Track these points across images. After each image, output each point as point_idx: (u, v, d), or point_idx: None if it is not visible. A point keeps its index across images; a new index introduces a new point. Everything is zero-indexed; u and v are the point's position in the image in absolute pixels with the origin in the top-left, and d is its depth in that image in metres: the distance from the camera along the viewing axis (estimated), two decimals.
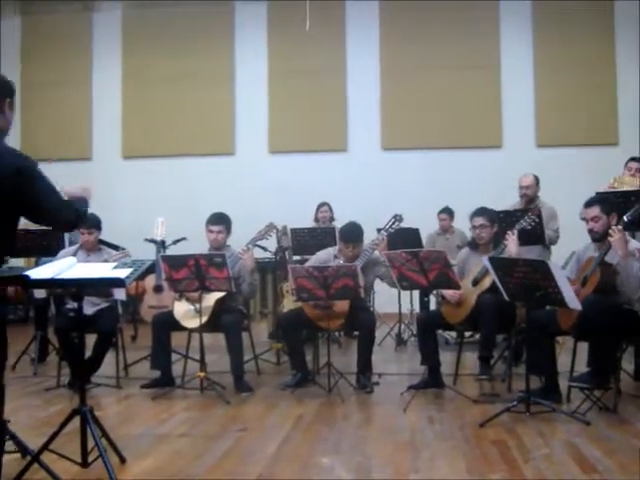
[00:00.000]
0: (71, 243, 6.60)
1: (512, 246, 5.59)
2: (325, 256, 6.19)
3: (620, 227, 4.84)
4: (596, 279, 4.86)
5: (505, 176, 7.68)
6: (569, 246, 6.02)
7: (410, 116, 10.99)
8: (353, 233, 5.96)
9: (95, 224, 6.21)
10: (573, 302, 4.47)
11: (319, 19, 10.40)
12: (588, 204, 5.18)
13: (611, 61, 10.61)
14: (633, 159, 6.85)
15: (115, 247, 6.66)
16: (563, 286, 4.41)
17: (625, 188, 6.28)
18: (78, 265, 3.69)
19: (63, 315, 6.00)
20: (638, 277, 4.68)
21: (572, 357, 5.30)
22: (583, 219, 5.23)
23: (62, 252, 6.19)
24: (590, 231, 5.12)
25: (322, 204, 9.06)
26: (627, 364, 5.57)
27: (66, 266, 3.53)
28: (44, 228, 6.66)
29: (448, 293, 5.65)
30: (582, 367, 5.03)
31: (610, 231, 4.85)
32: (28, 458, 3.57)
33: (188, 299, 5.85)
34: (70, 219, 3.27)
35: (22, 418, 4.53)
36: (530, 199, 7.23)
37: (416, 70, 10.94)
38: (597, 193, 5.75)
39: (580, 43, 10.59)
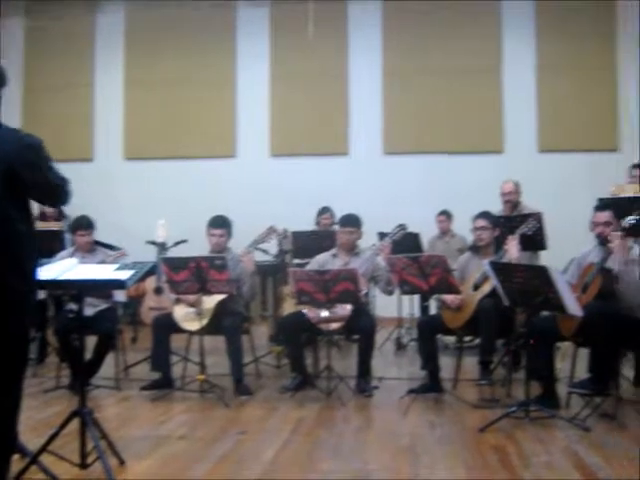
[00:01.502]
0: (73, 244, 6.60)
1: (513, 251, 5.59)
2: (324, 257, 6.25)
3: (620, 233, 4.84)
4: (597, 285, 4.85)
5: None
6: (568, 251, 5.99)
7: (412, 120, 10.96)
8: (351, 217, 6.19)
9: (90, 225, 6.28)
10: (573, 308, 4.46)
11: (321, 22, 10.39)
12: (600, 208, 5.17)
13: (613, 66, 10.59)
14: (637, 166, 6.84)
15: (110, 247, 6.65)
16: (563, 292, 4.41)
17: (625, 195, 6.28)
18: (79, 267, 3.70)
19: (63, 316, 5.99)
20: (638, 283, 4.67)
21: (572, 363, 5.30)
22: (593, 223, 5.21)
23: (59, 255, 6.20)
24: (599, 235, 5.11)
25: (324, 210, 8.96)
26: (627, 370, 5.56)
27: (68, 267, 3.53)
28: (46, 229, 6.69)
29: (448, 298, 5.65)
30: (582, 373, 5.03)
31: (609, 237, 4.85)
32: (27, 459, 3.57)
33: (188, 304, 5.86)
34: (68, 195, 3.17)
35: (21, 419, 4.51)
36: (514, 205, 7.29)
37: (418, 74, 10.92)
38: (599, 199, 5.74)
39: (582, 48, 10.57)
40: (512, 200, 7.31)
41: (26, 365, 2.94)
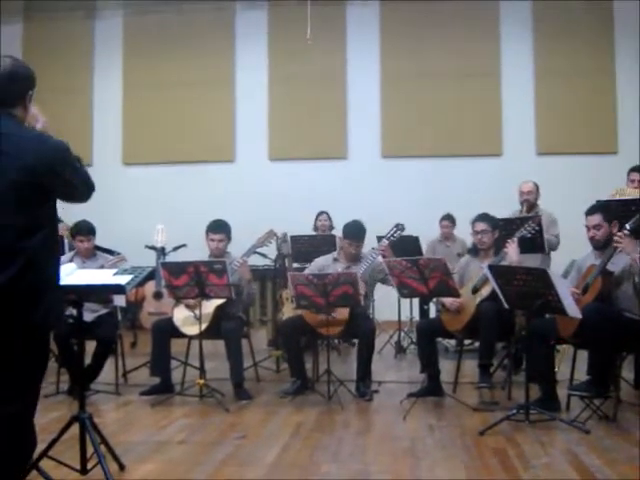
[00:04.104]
0: (71, 249, 6.57)
1: (512, 254, 5.59)
2: (324, 261, 6.22)
3: (626, 232, 4.83)
4: (597, 287, 4.85)
5: (505, 184, 7.66)
6: (569, 254, 6.03)
7: (410, 123, 10.98)
8: (359, 231, 6.05)
9: (91, 231, 6.22)
10: (573, 310, 4.47)
11: (320, 26, 10.33)
12: (590, 212, 5.18)
13: (611, 70, 10.62)
14: (634, 169, 6.83)
15: (110, 252, 6.64)
16: (563, 294, 4.41)
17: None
18: (78, 271, 3.69)
19: (62, 322, 5.96)
20: None
21: (572, 365, 5.30)
22: (586, 227, 5.21)
23: None
24: (591, 239, 5.13)
25: (321, 213, 9.05)
26: (627, 372, 5.55)
27: (67, 272, 3.53)
28: None
29: (448, 301, 5.64)
30: (582, 375, 5.03)
31: (616, 237, 4.83)
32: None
33: (187, 305, 5.86)
34: (91, 190, 3.25)
35: None
36: (531, 205, 7.26)
37: (417, 78, 10.93)
38: (597, 201, 5.75)
39: (581, 51, 10.60)
40: (530, 200, 7.26)
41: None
